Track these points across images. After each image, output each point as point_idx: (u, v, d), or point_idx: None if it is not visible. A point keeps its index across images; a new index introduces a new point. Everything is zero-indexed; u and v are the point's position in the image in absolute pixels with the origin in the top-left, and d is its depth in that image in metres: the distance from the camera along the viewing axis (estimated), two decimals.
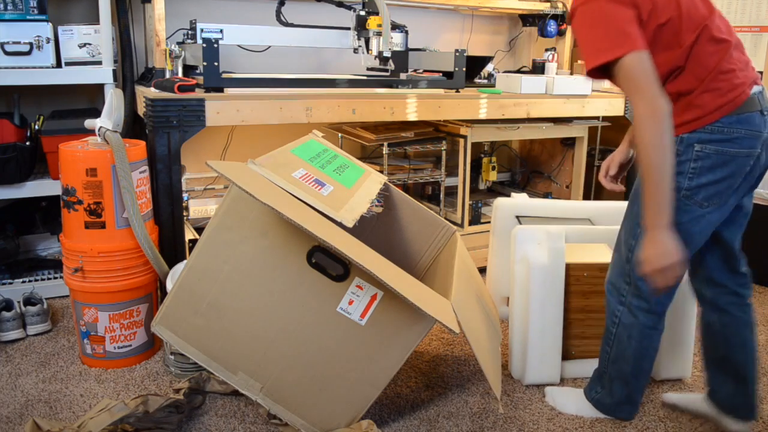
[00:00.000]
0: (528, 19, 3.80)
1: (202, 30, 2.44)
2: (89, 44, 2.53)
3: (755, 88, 1.52)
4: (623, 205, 2.34)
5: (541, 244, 2.00)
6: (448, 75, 2.83)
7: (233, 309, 1.59)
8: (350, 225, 1.57)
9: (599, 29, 1.46)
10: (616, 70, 1.46)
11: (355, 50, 2.67)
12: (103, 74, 2.52)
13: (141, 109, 2.52)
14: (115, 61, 2.71)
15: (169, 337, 1.62)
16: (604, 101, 3.13)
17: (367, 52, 2.63)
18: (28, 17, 2.42)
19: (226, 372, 1.62)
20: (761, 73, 3.15)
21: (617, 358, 1.73)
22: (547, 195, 3.54)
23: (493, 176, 3.54)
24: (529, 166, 3.83)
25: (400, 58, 2.98)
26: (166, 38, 2.71)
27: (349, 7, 2.78)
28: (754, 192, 1.70)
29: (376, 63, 2.66)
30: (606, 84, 3.39)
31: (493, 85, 3.24)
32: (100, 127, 2.07)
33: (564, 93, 3.02)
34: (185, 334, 1.61)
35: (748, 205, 1.69)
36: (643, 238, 1.52)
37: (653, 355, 1.73)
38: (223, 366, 1.62)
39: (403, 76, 2.94)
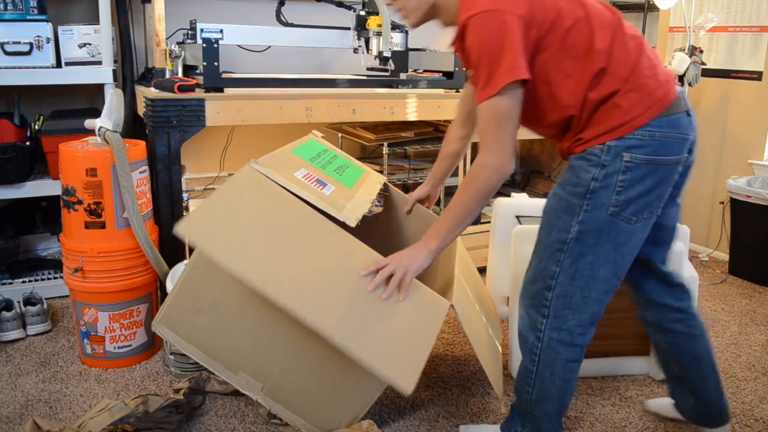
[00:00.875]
0: None
1: (202, 30, 2.44)
2: (89, 44, 2.53)
3: (678, 87, 1.43)
4: None
5: None
6: (448, 75, 2.83)
7: (235, 309, 1.59)
8: (353, 224, 1.57)
9: (496, 45, 1.34)
10: (488, 103, 1.37)
11: (355, 50, 2.67)
12: (103, 74, 2.52)
13: (141, 109, 2.52)
14: (115, 61, 2.71)
15: (170, 336, 1.62)
16: None
17: (367, 52, 2.63)
18: (28, 17, 2.42)
19: (227, 372, 1.62)
20: (761, 72, 3.15)
21: (540, 398, 1.54)
22: (547, 195, 3.53)
23: None
24: (529, 166, 3.83)
25: (400, 58, 2.98)
26: (166, 38, 2.71)
27: (349, 7, 2.78)
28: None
29: (376, 63, 2.66)
30: None
31: None
32: (100, 127, 2.07)
33: None
34: (186, 334, 1.61)
35: (672, 220, 1.57)
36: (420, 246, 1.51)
37: (575, 386, 1.62)
38: (225, 366, 1.62)
39: (403, 76, 2.94)
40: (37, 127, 2.47)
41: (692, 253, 3.42)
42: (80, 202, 1.97)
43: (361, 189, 1.86)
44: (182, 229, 1.37)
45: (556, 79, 1.39)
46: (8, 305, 2.27)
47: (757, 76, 3.17)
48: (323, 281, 1.43)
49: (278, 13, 2.84)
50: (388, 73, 2.97)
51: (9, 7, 2.39)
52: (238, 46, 3.04)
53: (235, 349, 1.60)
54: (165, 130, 2.21)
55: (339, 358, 1.54)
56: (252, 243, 1.42)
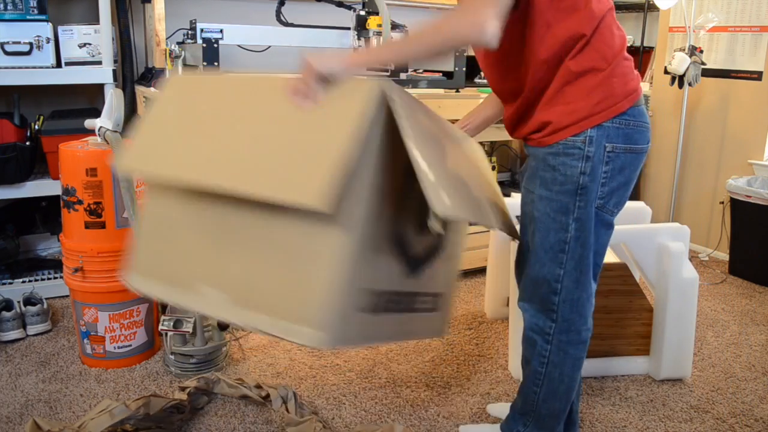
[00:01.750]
0: None
1: (202, 30, 2.44)
2: (89, 44, 2.53)
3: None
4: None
5: None
6: (448, 75, 2.83)
7: (175, 217, 1.39)
8: None
9: None
10: None
11: (355, 50, 2.67)
12: (103, 74, 2.52)
13: (141, 109, 2.52)
14: (115, 61, 2.71)
15: (137, 283, 1.43)
16: None
17: None
18: (28, 17, 2.42)
19: (191, 295, 1.36)
20: (761, 72, 3.15)
21: (548, 396, 1.54)
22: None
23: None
24: None
25: None
26: (166, 38, 2.71)
27: (349, 7, 2.78)
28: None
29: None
30: None
31: None
32: (100, 127, 2.07)
33: None
34: (145, 271, 1.44)
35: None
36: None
37: (581, 380, 1.65)
38: (186, 288, 1.37)
39: (403, 76, 2.94)
40: (37, 127, 2.47)
41: (692, 253, 3.42)
42: (80, 202, 1.97)
43: None
44: (115, 168, 1.24)
45: (537, 23, 1.30)
46: (8, 305, 2.27)
47: (757, 76, 3.17)
48: (240, 144, 1.22)
49: (278, 13, 2.84)
50: (387, 73, 2.97)
51: (9, 7, 2.39)
52: (238, 46, 3.04)
53: (187, 258, 1.37)
54: None
55: (273, 218, 1.25)
56: (174, 143, 1.28)
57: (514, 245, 1.79)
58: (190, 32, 2.56)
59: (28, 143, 2.41)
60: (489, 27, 1.16)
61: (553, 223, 1.41)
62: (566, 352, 1.50)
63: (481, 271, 2.94)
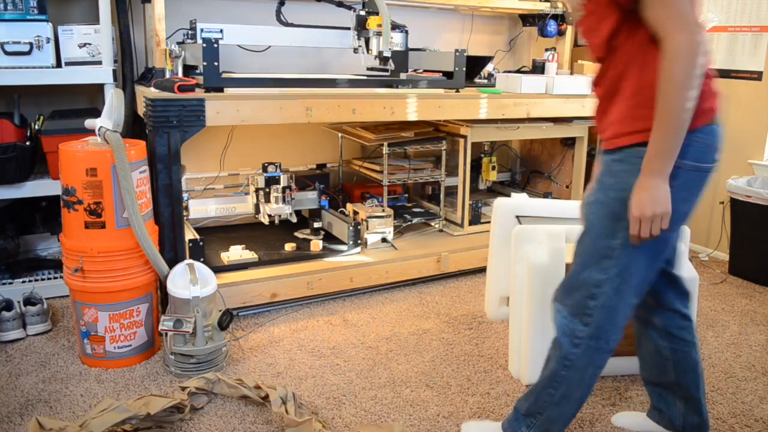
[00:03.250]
0: (528, 19, 3.80)
1: (202, 30, 2.45)
2: (89, 44, 2.53)
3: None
4: None
5: (541, 244, 2.00)
6: (448, 75, 2.83)
7: None
8: None
9: None
10: None
11: (355, 50, 2.67)
12: (103, 74, 2.52)
13: (141, 109, 2.52)
14: (115, 61, 2.71)
15: None
16: None
17: (367, 52, 2.63)
18: (28, 17, 2.42)
19: None
20: (761, 72, 3.15)
21: (562, 400, 1.53)
22: (547, 195, 3.54)
23: (493, 176, 3.54)
24: (529, 166, 3.83)
25: (400, 58, 2.98)
26: (166, 38, 2.71)
27: (349, 7, 2.78)
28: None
29: (376, 63, 2.66)
30: None
31: (493, 85, 3.24)
32: (100, 127, 2.07)
33: (564, 93, 3.02)
34: None
35: None
36: (641, 183, 1.32)
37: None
38: None
39: (403, 76, 2.94)
40: (37, 127, 2.47)
41: (692, 253, 3.42)
42: (80, 202, 1.97)
43: None
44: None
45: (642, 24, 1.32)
46: (8, 305, 2.27)
47: (757, 76, 3.17)
48: None
49: (278, 13, 2.84)
50: (388, 73, 2.97)
51: (9, 7, 2.39)
52: (238, 46, 3.05)
53: None
54: (165, 130, 2.21)
55: None
56: None
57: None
58: (190, 32, 2.56)
59: (28, 143, 2.41)
60: (703, 41, 1.24)
61: (603, 228, 1.41)
62: (591, 358, 1.48)
63: (481, 271, 2.94)
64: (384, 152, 2.93)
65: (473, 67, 3.25)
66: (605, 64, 1.43)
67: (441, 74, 2.90)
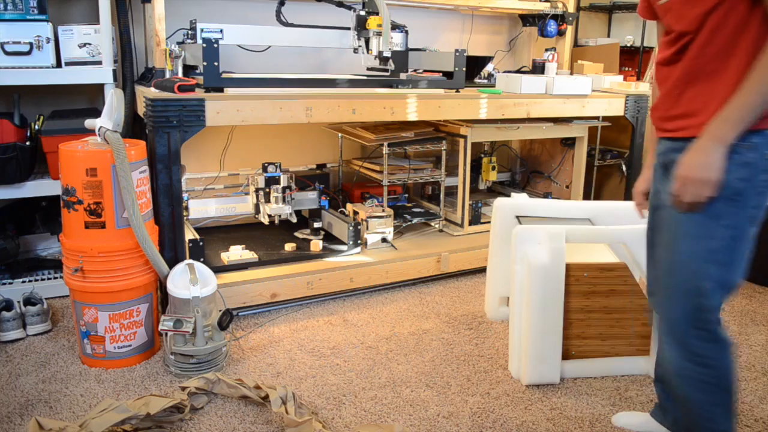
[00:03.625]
0: (528, 19, 3.80)
1: (202, 30, 2.44)
2: (89, 44, 2.53)
3: None
4: (623, 204, 2.35)
5: (541, 244, 2.00)
6: (448, 75, 2.83)
7: None
8: None
9: None
10: None
11: (355, 50, 2.67)
12: (103, 74, 2.52)
13: (141, 109, 2.52)
14: (115, 61, 2.71)
15: None
16: (604, 101, 3.13)
17: (367, 52, 2.63)
18: (28, 17, 2.42)
19: None
20: None
21: (718, 418, 1.45)
22: (547, 195, 3.54)
23: (493, 176, 3.55)
24: (529, 166, 3.83)
25: (400, 58, 2.98)
26: (166, 38, 2.71)
27: (349, 7, 2.78)
28: None
29: (376, 63, 2.66)
30: (606, 84, 3.39)
31: (493, 85, 3.24)
32: (100, 127, 2.07)
33: (564, 93, 3.02)
34: None
35: None
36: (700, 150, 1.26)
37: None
38: None
39: (403, 76, 2.94)
40: (37, 127, 2.47)
41: None
42: (80, 202, 1.97)
43: None
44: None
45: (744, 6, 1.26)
46: (8, 305, 2.27)
47: None
48: None
49: (278, 13, 2.84)
50: (388, 73, 2.97)
51: (9, 7, 2.39)
52: (238, 46, 3.05)
53: None
54: (165, 130, 2.21)
55: None
56: None
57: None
58: (190, 32, 2.56)
59: (28, 143, 2.41)
60: None
61: (700, 230, 1.33)
62: (728, 368, 1.43)
63: (481, 271, 2.94)
64: (384, 152, 2.93)
65: (473, 67, 3.25)
66: (696, 40, 1.32)
67: (441, 74, 2.90)
